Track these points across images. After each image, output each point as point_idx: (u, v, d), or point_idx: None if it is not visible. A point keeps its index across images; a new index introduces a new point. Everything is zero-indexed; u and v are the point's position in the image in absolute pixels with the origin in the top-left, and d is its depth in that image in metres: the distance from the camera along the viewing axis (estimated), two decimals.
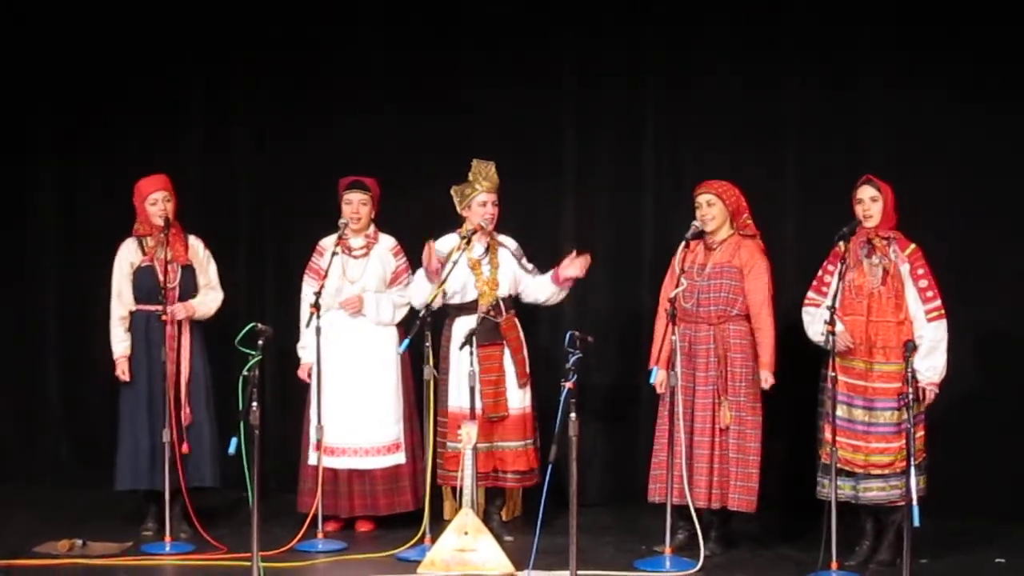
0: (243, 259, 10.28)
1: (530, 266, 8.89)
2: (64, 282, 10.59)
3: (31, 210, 10.65)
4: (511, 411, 8.78)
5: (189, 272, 8.91)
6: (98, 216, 10.32)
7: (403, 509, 9.01)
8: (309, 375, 8.92)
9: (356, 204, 8.99)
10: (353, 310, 8.96)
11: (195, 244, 9.01)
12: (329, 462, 8.91)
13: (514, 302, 8.91)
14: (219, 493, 9.07)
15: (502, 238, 8.91)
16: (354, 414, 8.94)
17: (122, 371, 8.89)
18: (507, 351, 8.78)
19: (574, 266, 8.73)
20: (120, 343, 8.91)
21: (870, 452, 8.06)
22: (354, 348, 8.97)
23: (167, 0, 10.37)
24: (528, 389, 8.84)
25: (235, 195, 10.44)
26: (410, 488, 9.03)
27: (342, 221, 8.93)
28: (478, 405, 8.59)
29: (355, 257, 9.03)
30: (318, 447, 8.81)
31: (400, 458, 9.04)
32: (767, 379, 8.35)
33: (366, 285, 9.00)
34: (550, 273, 8.84)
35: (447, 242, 8.83)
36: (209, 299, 8.97)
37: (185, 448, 8.78)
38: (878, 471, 8.06)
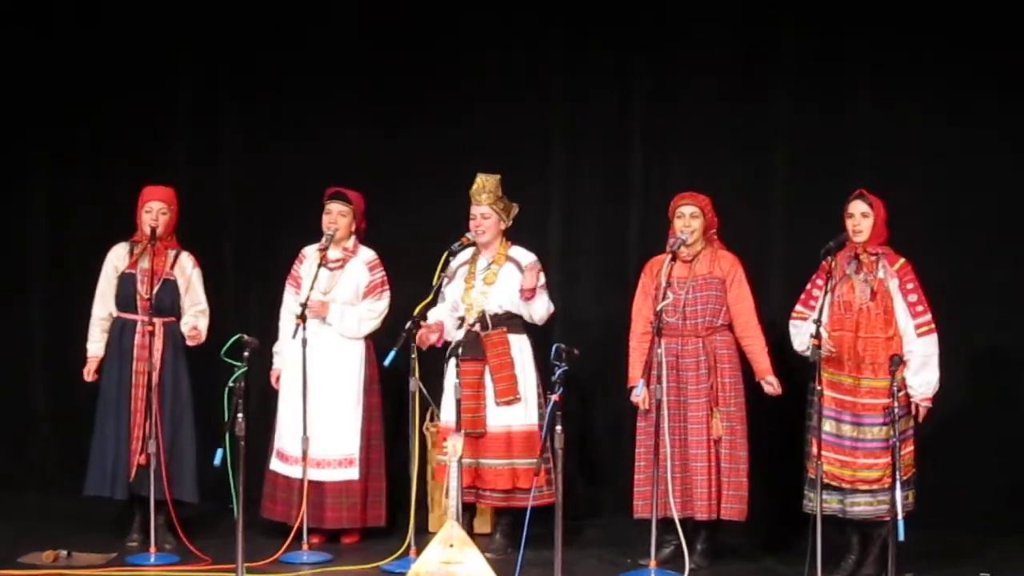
0: (230, 271, 10.26)
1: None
2: (51, 292, 10.56)
3: (19, 221, 10.63)
4: (490, 428, 8.73)
5: (170, 287, 8.87)
6: (85, 226, 10.32)
7: (350, 525, 9.00)
8: (278, 380, 8.95)
9: (334, 215, 8.99)
10: (316, 315, 8.90)
11: (185, 261, 8.96)
12: (287, 470, 8.91)
13: (519, 319, 8.86)
14: (204, 504, 9.06)
15: (517, 253, 8.86)
16: (310, 425, 8.85)
17: (88, 371, 8.90)
18: (487, 367, 8.75)
19: (524, 279, 8.71)
20: (94, 343, 8.92)
21: (858, 468, 8.06)
22: (320, 360, 8.90)
23: (153, 13, 10.36)
24: (522, 408, 8.74)
25: (222, 207, 10.42)
26: (360, 504, 8.98)
27: (328, 234, 8.93)
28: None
29: (330, 269, 9.02)
30: (304, 459, 8.78)
31: (353, 473, 8.98)
32: (774, 383, 8.38)
33: (336, 297, 8.98)
34: None
35: (463, 255, 8.88)
36: (198, 318, 8.93)
37: (143, 459, 8.72)
38: (866, 487, 8.05)
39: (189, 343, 8.87)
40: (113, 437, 8.81)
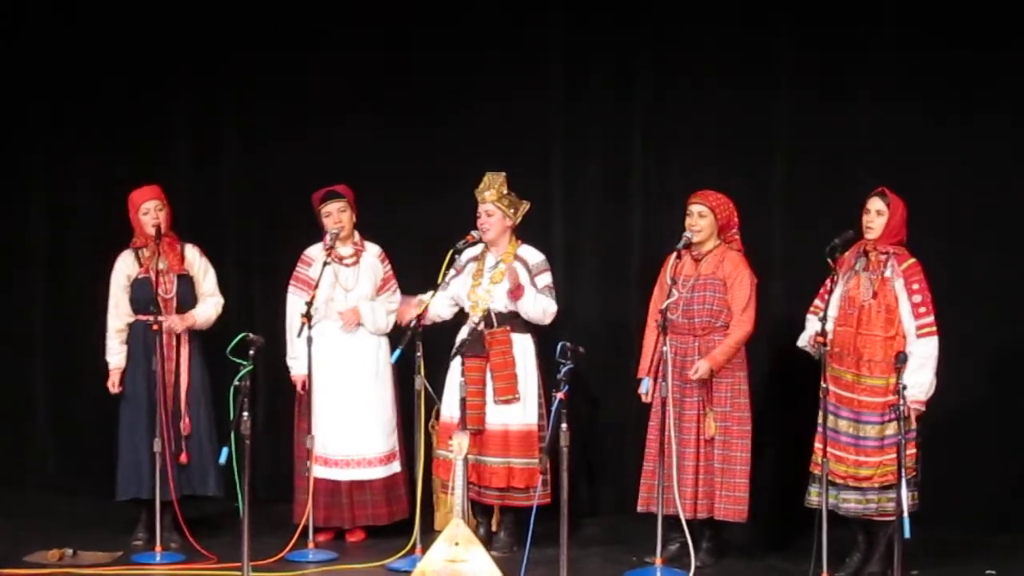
0: (232, 270, 10.21)
1: (541, 285, 8.78)
2: (53, 292, 10.56)
3: (20, 221, 10.63)
4: (489, 426, 8.73)
5: (187, 281, 8.90)
6: (85, 226, 10.33)
7: (401, 517, 9.01)
8: (303, 386, 8.92)
9: (336, 214, 8.99)
10: (351, 325, 8.96)
11: (191, 253, 8.99)
12: (329, 473, 8.91)
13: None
14: (209, 503, 9.05)
15: (525, 252, 8.86)
16: (353, 425, 8.93)
17: (112, 383, 8.87)
18: (489, 365, 8.75)
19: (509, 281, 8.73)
20: (114, 355, 8.89)
21: (851, 464, 8.07)
22: (346, 359, 8.97)
23: (153, 13, 10.35)
24: (520, 407, 8.73)
25: (223, 206, 10.43)
26: (406, 496, 9.06)
27: (332, 232, 8.93)
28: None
29: (346, 265, 9.04)
30: (309, 457, 8.79)
31: (396, 467, 9.06)
32: (698, 368, 8.30)
33: (361, 292, 9.00)
34: None
35: (473, 251, 8.90)
36: (208, 306, 8.97)
37: (184, 458, 8.77)
38: (855, 483, 8.07)
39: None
40: (147, 439, 8.77)
